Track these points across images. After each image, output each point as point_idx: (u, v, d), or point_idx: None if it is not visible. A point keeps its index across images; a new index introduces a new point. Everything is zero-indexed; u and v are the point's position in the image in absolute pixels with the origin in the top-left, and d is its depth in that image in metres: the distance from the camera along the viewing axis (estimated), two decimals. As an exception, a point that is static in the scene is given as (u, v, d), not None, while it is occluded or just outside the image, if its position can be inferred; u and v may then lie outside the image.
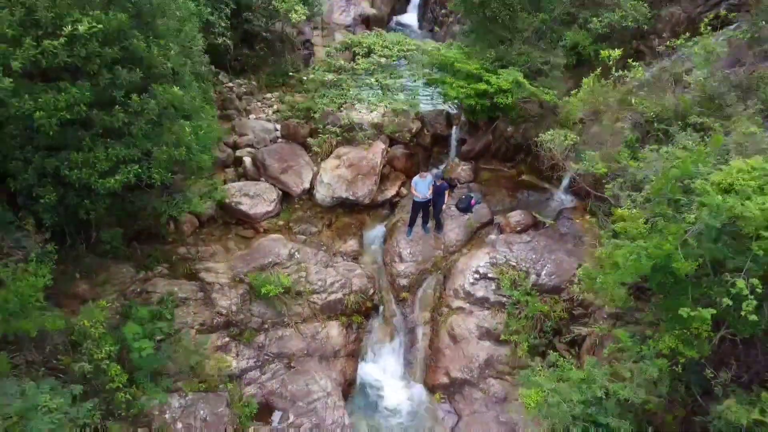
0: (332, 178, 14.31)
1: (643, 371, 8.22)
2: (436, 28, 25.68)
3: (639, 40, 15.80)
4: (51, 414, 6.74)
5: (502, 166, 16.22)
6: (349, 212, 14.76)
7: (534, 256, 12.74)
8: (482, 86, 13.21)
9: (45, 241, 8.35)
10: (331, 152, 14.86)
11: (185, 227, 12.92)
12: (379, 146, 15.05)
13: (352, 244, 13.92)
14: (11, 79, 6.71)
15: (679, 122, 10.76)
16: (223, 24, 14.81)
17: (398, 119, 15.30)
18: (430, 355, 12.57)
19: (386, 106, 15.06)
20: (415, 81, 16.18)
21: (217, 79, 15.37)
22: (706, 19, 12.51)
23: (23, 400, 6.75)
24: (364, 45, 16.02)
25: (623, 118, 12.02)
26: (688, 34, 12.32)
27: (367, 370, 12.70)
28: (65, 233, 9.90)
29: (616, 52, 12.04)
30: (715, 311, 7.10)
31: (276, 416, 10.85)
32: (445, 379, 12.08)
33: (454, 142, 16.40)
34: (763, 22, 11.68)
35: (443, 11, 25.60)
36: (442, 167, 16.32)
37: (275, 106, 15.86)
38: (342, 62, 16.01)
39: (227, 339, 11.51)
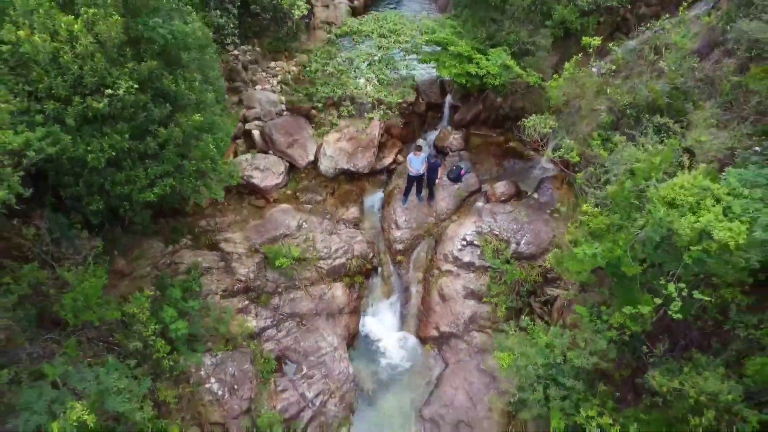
0: (334, 150, 15.55)
1: (595, 344, 10.08)
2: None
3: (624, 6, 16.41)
4: (120, 394, 8.60)
5: (492, 131, 17.42)
6: (350, 180, 16.12)
7: (515, 227, 14.31)
8: (472, 68, 14.13)
9: (93, 248, 9.78)
10: (333, 126, 15.99)
11: (204, 201, 14.30)
12: (377, 120, 16.10)
13: (353, 211, 15.42)
14: (70, 136, 7.94)
15: (647, 115, 11.93)
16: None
17: (396, 91, 16.25)
18: (422, 311, 14.42)
19: (383, 80, 15.97)
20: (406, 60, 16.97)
21: (223, 49, 16.01)
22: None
23: (98, 383, 8.56)
24: (363, 33, 16.63)
25: (599, 104, 13.11)
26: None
27: (368, 323, 14.61)
28: (104, 223, 11.37)
29: (597, 40, 12.92)
30: (653, 305, 8.76)
31: (291, 368, 12.91)
32: (435, 333, 13.99)
33: (447, 110, 17.44)
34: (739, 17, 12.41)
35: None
36: (434, 134, 17.46)
37: (279, 76, 16.68)
38: (341, 57, 16.81)
39: (247, 302, 13.28)
